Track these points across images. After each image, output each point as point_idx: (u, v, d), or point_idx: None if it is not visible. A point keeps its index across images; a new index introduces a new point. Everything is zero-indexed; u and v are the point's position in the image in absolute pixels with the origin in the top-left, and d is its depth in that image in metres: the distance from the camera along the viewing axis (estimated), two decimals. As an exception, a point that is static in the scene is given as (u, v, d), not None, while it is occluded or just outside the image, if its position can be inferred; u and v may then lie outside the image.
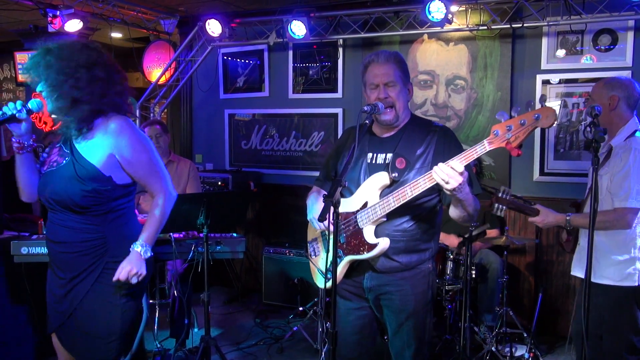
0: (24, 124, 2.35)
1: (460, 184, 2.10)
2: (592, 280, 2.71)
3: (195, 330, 4.52)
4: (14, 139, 2.36)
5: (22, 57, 6.64)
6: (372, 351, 2.61)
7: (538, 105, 2.01)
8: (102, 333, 2.35)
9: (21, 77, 6.86)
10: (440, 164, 2.12)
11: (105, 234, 2.35)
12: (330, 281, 2.48)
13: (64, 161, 2.33)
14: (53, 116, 2.34)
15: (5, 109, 2.30)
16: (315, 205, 2.59)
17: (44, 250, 2.92)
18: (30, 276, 3.32)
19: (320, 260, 2.65)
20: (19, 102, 2.32)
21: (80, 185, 2.26)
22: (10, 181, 2.50)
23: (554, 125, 2.05)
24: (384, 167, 2.41)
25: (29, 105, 2.33)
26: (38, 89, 2.30)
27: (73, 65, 2.24)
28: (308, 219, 2.63)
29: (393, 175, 2.36)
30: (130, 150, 2.33)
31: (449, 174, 2.09)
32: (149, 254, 2.37)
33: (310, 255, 2.72)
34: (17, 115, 2.30)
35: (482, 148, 2.10)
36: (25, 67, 2.31)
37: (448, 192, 2.16)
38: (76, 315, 2.36)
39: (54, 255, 2.41)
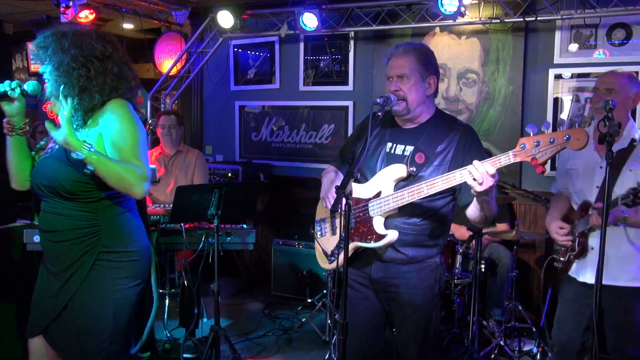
0: (16, 104, 2.23)
1: (490, 187, 2.09)
2: (622, 284, 2.67)
3: (205, 320, 4.55)
4: (4, 120, 2.25)
5: (34, 48, 6.66)
6: (380, 342, 2.62)
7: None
8: (93, 329, 2.23)
9: (33, 67, 6.90)
10: (477, 162, 2.09)
11: (98, 222, 2.24)
12: (334, 262, 2.49)
13: (57, 146, 2.23)
14: (53, 101, 2.23)
15: None
16: (331, 185, 2.58)
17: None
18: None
19: (326, 241, 2.66)
20: (15, 81, 2.21)
21: (71, 170, 2.16)
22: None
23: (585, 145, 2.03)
24: (402, 158, 2.40)
25: (25, 86, 2.22)
26: (42, 69, 2.22)
27: (87, 54, 2.19)
28: (320, 196, 2.64)
29: (411, 169, 2.34)
30: (117, 129, 2.19)
31: (483, 174, 2.07)
32: (81, 152, 2.07)
33: (317, 234, 2.71)
34: (9, 92, 2.19)
35: (507, 159, 2.08)
36: (37, 43, 2.21)
37: (475, 193, 2.14)
38: (67, 312, 2.23)
39: (47, 247, 2.31)
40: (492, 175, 2.07)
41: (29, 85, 2.23)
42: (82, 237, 2.23)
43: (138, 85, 2.39)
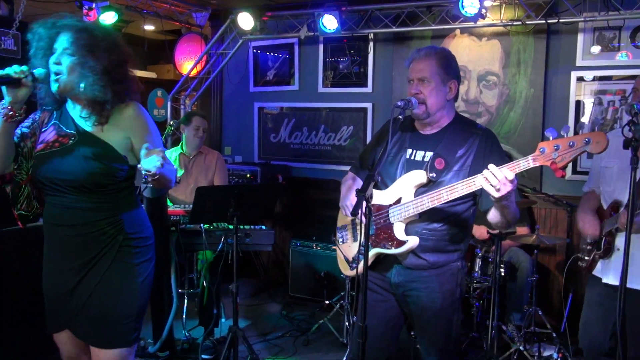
0: (24, 91, 2.15)
1: (508, 192, 2.07)
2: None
3: (223, 320, 4.58)
4: (3, 105, 2.15)
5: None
6: (397, 345, 2.61)
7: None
8: (120, 314, 2.30)
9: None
10: (493, 167, 2.07)
11: (119, 211, 2.31)
12: (356, 269, 2.50)
13: (71, 141, 2.25)
14: (67, 93, 2.23)
15: (8, 70, 2.10)
16: (349, 192, 2.59)
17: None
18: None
19: (347, 248, 2.66)
20: (25, 66, 2.14)
21: (99, 164, 2.21)
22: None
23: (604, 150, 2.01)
24: (422, 164, 2.39)
25: (36, 72, 2.16)
26: (59, 59, 2.17)
27: (113, 57, 2.23)
28: (340, 205, 2.64)
29: (430, 175, 2.34)
30: (144, 134, 2.30)
31: (501, 180, 2.06)
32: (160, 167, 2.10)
33: (338, 241, 2.72)
34: (23, 79, 2.12)
35: (526, 163, 2.07)
36: (45, 31, 2.18)
37: (493, 199, 2.13)
38: (91, 303, 2.28)
39: (62, 241, 2.30)
40: (511, 181, 2.06)
41: (39, 72, 2.18)
42: (107, 228, 2.28)
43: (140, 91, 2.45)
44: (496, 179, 2.05)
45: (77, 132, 2.28)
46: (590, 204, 2.95)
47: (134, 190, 2.41)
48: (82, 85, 2.18)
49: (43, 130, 2.33)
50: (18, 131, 2.28)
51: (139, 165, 2.09)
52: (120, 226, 2.31)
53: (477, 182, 2.17)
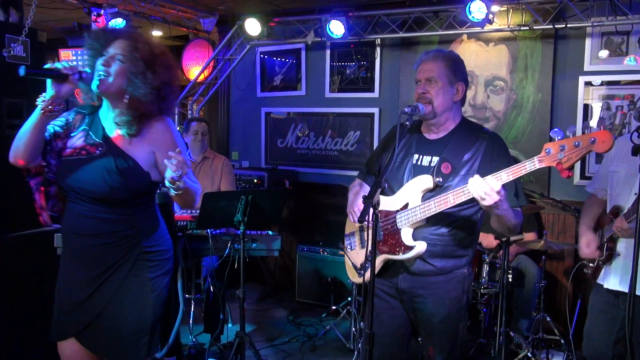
0: (68, 87, 2.17)
1: (495, 202, 2.08)
2: None
3: (229, 325, 4.58)
4: (44, 97, 2.15)
5: (66, 54, 6.79)
6: (406, 352, 2.60)
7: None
8: (133, 329, 2.30)
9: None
10: (476, 178, 2.09)
11: (137, 224, 2.32)
12: (364, 276, 2.50)
13: (98, 151, 2.26)
14: (108, 96, 2.27)
15: (58, 64, 2.14)
16: (356, 199, 2.60)
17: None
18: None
19: (355, 255, 2.66)
20: (74, 63, 2.18)
21: (121, 179, 2.22)
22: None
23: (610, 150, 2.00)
24: (429, 169, 2.39)
25: (84, 71, 2.20)
26: (101, 61, 2.21)
27: (154, 62, 2.25)
28: (347, 211, 2.64)
29: (437, 179, 2.34)
30: (170, 149, 2.26)
31: (486, 190, 2.06)
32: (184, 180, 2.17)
33: (347, 248, 2.72)
34: (71, 76, 2.15)
35: (532, 165, 2.06)
36: (101, 34, 2.25)
37: (484, 208, 2.14)
38: (105, 313, 2.28)
39: (80, 251, 2.31)
40: (497, 192, 2.06)
41: (86, 72, 2.21)
42: (123, 240, 2.29)
43: (179, 93, 2.47)
44: (480, 189, 2.06)
45: (104, 143, 2.28)
46: (593, 213, 2.96)
47: (154, 204, 2.43)
48: (130, 90, 2.21)
49: (72, 135, 2.33)
50: (50, 128, 2.28)
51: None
52: (137, 239, 2.32)
53: None
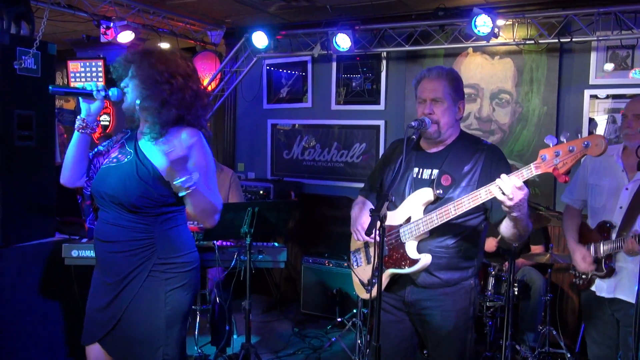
0: (96, 104, 2.39)
1: (521, 200, 2.08)
2: None
3: (235, 337, 4.57)
4: (79, 117, 2.40)
5: (74, 66, 6.89)
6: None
7: (585, 132, 1.98)
8: (147, 339, 2.33)
9: (73, 85, 7.12)
10: (505, 177, 2.08)
11: (154, 234, 2.34)
12: (371, 292, 2.50)
13: (126, 159, 2.36)
14: (133, 113, 2.40)
15: (87, 84, 2.37)
16: (359, 216, 2.61)
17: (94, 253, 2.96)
18: (79, 280, 3.38)
19: (362, 271, 2.67)
20: (101, 84, 2.39)
21: (138, 185, 2.27)
22: (62, 185, 2.51)
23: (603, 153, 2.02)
24: (429, 182, 2.41)
25: (110, 91, 2.39)
26: (123, 83, 2.36)
27: (171, 71, 2.32)
28: (351, 230, 2.65)
29: (437, 192, 2.36)
30: (196, 166, 2.32)
31: (517, 185, 2.06)
32: (191, 183, 2.24)
33: (353, 265, 2.73)
34: (95, 94, 2.36)
35: (529, 172, 2.07)
36: (124, 58, 2.38)
37: (507, 209, 2.12)
38: (123, 322, 2.33)
39: (102, 257, 2.39)
40: (520, 188, 2.07)
41: (114, 91, 2.39)
42: (139, 249, 2.33)
43: (210, 105, 2.56)
44: (509, 188, 2.06)
45: (134, 151, 2.38)
46: (575, 226, 3.04)
47: (179, 218, 2.44)
48: (137, 102, 2.33)
49: (112, 147, 2.48)
50: (95, 149, 2.48)
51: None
52: (152, 250, 2.34)
53: (483, 194, 2.18)
